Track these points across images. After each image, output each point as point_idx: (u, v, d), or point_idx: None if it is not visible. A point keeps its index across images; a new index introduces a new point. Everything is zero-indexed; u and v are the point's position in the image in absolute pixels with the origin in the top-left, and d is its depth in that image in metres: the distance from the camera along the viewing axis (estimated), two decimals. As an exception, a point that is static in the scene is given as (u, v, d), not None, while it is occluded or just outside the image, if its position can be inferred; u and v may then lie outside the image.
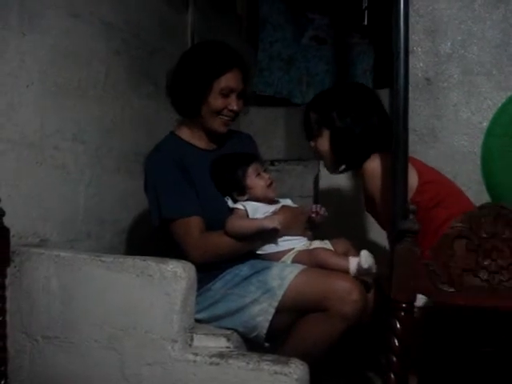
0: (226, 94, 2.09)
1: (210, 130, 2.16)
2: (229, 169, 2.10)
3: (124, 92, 2.54)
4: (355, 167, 2.13)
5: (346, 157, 2.11)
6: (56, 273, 1.90)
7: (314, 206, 2.13)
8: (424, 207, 1.93)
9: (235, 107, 2.11)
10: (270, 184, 2.11)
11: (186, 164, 2.08)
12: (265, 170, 2.16)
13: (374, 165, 2.03)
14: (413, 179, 1.97)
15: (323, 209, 2.12)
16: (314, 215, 2.10)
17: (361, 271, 1.92)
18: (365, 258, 1.91)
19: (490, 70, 2.43)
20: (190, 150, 2.15)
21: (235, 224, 2.01)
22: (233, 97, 2.11)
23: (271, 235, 2.02)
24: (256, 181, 2.09)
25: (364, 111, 2.06)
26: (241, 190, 2.09)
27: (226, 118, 2.13)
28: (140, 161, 2.40)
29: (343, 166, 2.18)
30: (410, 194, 1.95)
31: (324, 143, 2.10)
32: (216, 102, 2.09)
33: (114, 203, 2.47)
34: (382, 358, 1.60)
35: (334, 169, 2.21)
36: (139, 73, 2.63)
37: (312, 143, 2.14)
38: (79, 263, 1.88)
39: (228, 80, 2.09)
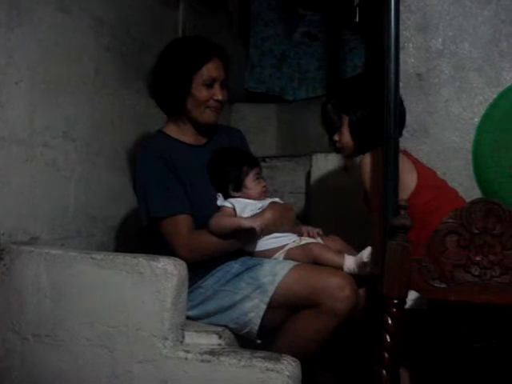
0: (209, 84, 2.10)
1: (200, 123, 2.16)
2: (233, 162, 2.12)
3: (114, 88, 2.51)
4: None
5: (366, 143, 2.10)
6: (46, 270, 1.88)
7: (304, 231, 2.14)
8: (419, 210, 1.93)
9: (220, 96, 2.12)
10: (265, 191, 2.14)
11: (174, 161, 2.08)
12: (262, 177, 2.18)
13: (367, 159, 2.03)
14: (412, 180, 1.98)
15: (315, 231, 2.14)
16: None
17: (360, 266, 1.91)
18: (367, 253, 1.90)
19: (482, 66, 2.42)
20: (178, 147, 2.14)
21: (216, 222, 2.01)
22: (216, 86, 2.12)
23: (251, 235, 2.02)
24: (254, 184, 2.11)
25: (376, 98, 2.05)
26: (238, 187, 2.10)
27: (212, 108, 2.13)
28: (131, 157, 2.39)
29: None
30: (408, 193, 1.96)
31: (346, 133, 2.11)
32: (200, 93, 2.10)
33: (105, 200, 2.45)
34: (373, 354, 1.60)
35: (353, 157, 2.23)
36: (130, 69, 2.61)
37: (336, 137, 2.14)
38: (69, 261, 1.87)
39: (209, 70, 2.10)
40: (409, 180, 1.99)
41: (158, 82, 2.17)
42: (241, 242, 2.04)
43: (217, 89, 2.12)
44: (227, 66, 2.19)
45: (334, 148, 2.20)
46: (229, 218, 2.03)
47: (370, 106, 2.06)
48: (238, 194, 2.10)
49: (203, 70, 2.09)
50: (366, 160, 2.03)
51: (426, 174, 2.06)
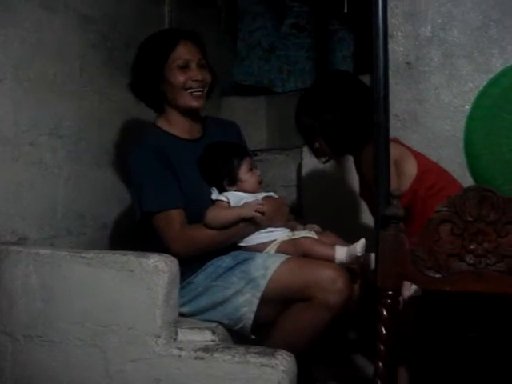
0: (183, 66, 2.09)
1: (185, 109, 2.13)
2: (224, 157, 2.08)
3: (101, 85, 2.48)
4: (357, 151, 2.10)
5: (344, 147, 2.08)
6: (35, 270, 1.86)
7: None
8: (422, 196, 1.93)
9: (198, 76, 2.10)
10: (260, 182, 2.11)
11: (167, 155, 2.05)
12: (255, 167, 2.14)
13: (369, 152, 2.01)
14: (412, 167, 1.98)
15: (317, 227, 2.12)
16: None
17: (352, 258, 1.89)
18: (361, 246, 1.88)
19: (471, 53, 2.41)
20: (172, 141, 2.12)
21: (213, 215, 1.99)
22: (192, 67, 2.10)
23: (250, 227, 2.00)
24: (248, 176, 2.08)
25: (348, 99, 2.03)
26: (232, 181, 2.07)
27: (193, 90, 2.10)
28: (120, 154, 2.37)
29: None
30: (410, 182, 1.95)
31: (321, 141, 2.07)
32: (176, 77, 2.08)
33: (94, 198, 2.43)
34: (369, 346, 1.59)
35: (339, 159, 2.23)
36: (117, 65, 2.57)
37: (316, 144, 2.10)
38: (59, 260, 1.85)
39: (179, 53, 2.09)
40: (409, 167, 1.98)
41: (135, 79, 2.18)
42: (237, 235, 2.02)
43: (194, 69, 2.10)
44: (202, 47, 2.17)
45: (315, 155, 2.17)
46: (226, 210, 2.01)
47: (339, 108, 2.02)
48: (234, 188, 2.08)
49: (173, 55, 2.08)
50: (369, 153, 2.01)
51: (422, 159, 2.05)
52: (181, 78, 2.08)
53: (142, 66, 2.13)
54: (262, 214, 1.98)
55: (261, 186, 2.12)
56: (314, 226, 2.12)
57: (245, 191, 2.07)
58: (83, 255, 1.83)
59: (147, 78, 2.11)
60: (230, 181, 2.07)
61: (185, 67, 2.08)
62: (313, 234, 2.06)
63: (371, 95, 1.73)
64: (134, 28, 2.73)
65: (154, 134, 2.14)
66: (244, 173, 2.08)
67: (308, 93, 2.14)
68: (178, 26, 3.02)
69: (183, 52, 2.09)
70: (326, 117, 2.01)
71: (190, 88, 2.09)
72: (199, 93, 2.11)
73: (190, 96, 2.10)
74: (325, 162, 2.20)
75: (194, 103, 2.12)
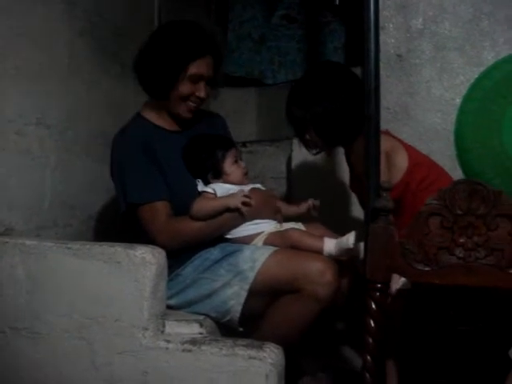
0: (195, 80, 2.04)
1: (174, 114, 2.11)
2: (207, 150, 2.06)
3: (89, 74, 2.46)
4: (349, 143, 2.09)
5: (335, 139, 2.07)
6: (22, 262, 1.84)
7: (310, 202, 2.09)
8: (414, 189, 1.92)
9: (202, 94, 2.06)
10: (246, 173, 2.09)
11: (153, 146, 2.03)
12: (240, 158, 2.12)
13: (360, 144, 2.00)
14: (403, 159, 1.96)
15: (317, 201, 2.10)
16: (312, 210, 2.08)
17: (342, 250, 1.88)
18: (352, 238, 1.87)
19: (463, 46, 2.40)
20: (157, 132, 2.09)
21: (199, 206, 1.97)
22: (201, 84, 2.06)
23: (237, 219, 1.99)
24: (233, 168, 2.06)
25: (339, 90, 2.01)
26: (216, 174, 2.06)
27: (191, 104, 2.07)
28: (108, 144, 2.33)
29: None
30: (401, 175, 1.94)
31: (312, 133, 2.05)
32: (184, 87, 2.03)
33: (82, 188, 2.40)
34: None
35: (330, 151, 2.22)
36: (105, 54, 2.55)
37: (307, 136, 2.08)
38: (45, 251, 1.82)
39: (199, 67, 2.03)
40: (400, 160, 1.96)
41: (147, 62, 2.07)
42: (224, 227, 2.01)
43: (201, 86, 2.06)
44: (218, 65, 2.12)
45: (305, 147, 2.15)
46: (212, 200, 1.99)
47: (330, 99, 1.99)
48: (219, 181, 2.06)
49: (193, 65, 2.02)
50: (359, 146, 1.99)
51: (414, 152, 2.03)
52: (188, 90, 2.04)
53: (163, 57, 2.03)
54: (249, 205, 1.97)
55: (247, 177, 2.10)
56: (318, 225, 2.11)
57: (230, 183, 2.05)
58: (69, 246, 1.81)
59: (164, 72, 2.02)
60: (214, 174, 2.06)
61: (196, 80, 2.04)
62: (300, 226, 2.06)
63: (362, 86, 1.71)
64: (123, 17, 2.71)
65: (140, 124, 2.10)
66: (229, 165, 2.06)
67: (299, 84, 2.12)
68: (167, 17, 2.99)
69: (202, 66, 2.03)
70: (317, 109, 2.00)
71: (190, 101, 2.07)
72: (195, 107, 2.09)
73: (186, 108, 2.07)
74: (316, 154, 2.19)
75: (187, 115, 2.10)
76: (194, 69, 2.02)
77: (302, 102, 2.03)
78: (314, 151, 2.15)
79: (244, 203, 1.96)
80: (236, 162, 2.08)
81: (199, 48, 2.04)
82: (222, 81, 3.46)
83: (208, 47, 2.06)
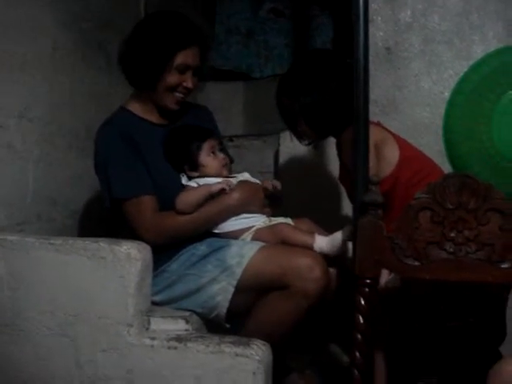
0: (181, 70, 2.00)
1: (161, 106, 2.07)
2: (183, 142, 2.02)
3: (73, 66, 2.42)
4: (339, 133, 2.05)
5: (326, 129, 2.04)
6: (3, 257, 1.81)
7: (269, 183, 2.06)
8: (405, 183, 1.88)
9: (190, 84, 2.03)
10: (225, 165, 2.05)
11: (137, 140, 1.99)
12: (222, 148, 2.08)
13: (348, 136, 1.97)
14: (394, 152, 1.93)
15: (278, 183, 2.06)
16: (271, 188, 2.03)
17: (333, 247, 1.87)
18: (344, 234, 1.85)
19: (451, 39, 2.39)
20: (142, 125, 2.06)
21: (184, 197, 1.94)
22: (188, 74, 2.02)
23: (225, 213, 1.97)
24: (209, 160, 2.02)
25: (328, 79, 1.98)
26: (192, 166, 2.02)
27: (179, 94, 2.04)
28: (92, 137, 2.30)
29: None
30: (391, 169, 1.91)
31: (302, 123, 2.02)
32: (172, 77, 2.00)
33: (66, 183, 2.37)
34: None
35: (321, 141, 2.22)
36: (89, 46, 2.51)
37: (298, 127, 2.05)
38: (27, 247, 1.79)
39: (186, 56, 2.00)
40: (390, 152, 1.93)
41: (132, 53, 2.03)
42: (211, 222, 1.98)
43: (188, 76, 2.02)
44: (205, 55, 2.09)
45: (296, 138, 2.13)
46: (194, 189, 1.97)
47: (319, 89, 1.97)
48: (197, 174, 2.02)
49: (180, 55, 1.98)
50: (347, 136, 1.97)
51: (404, 145, 2.00)
52: (175, 80, 2.00)
53: (149, 47, 1.99)
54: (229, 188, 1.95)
55: (226, 168, 2.06)
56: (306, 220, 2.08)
57: (208, 176, 2.01)
58: (52, 242, 1.78)
59: (150, 62, 1.98)
60: (190, 166, 2.02)
61: (182, 70, 2.00)
62: (289, 221, 2.03)
63: (352, 75, 1.69)
64: (109, 9, 2.67)
65: (123, 117, 2.07)
66: (204, 157, 2.02)
67: (288, 74, 2.10)
68: (154, 8, 2.95)
69: (190, 56, 2.00)
70: (306, 99, 1.97)
71: (178, 92, 2.03)
72: (182, 98, 2.06)
73: (173, 99, 2.04)
74: (307, 145, 2.17)
75: (174, 106, 2.06)
76: (180, 58, 1.99)
77: (291, 92, 2.01)
78: (306, 142, 2.13)
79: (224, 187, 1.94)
80: (213, 153, 2.03)
81: (186, 37, 2.01)
82: (208, 73, 3.46)
83: (195, 37, 2.03)
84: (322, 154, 2.67)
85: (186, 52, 2.00)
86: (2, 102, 2.05)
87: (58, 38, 2.33)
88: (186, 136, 2.04)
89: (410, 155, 1.96)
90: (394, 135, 2.00)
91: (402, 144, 1.98)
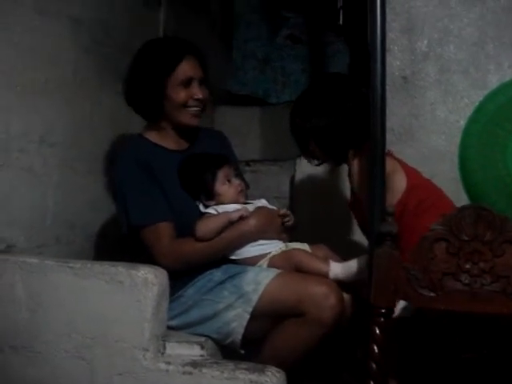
0: (186, 83, 2.04)
1: (181, 126, 2.10)
2: (197, 171, 2.04)
3: (94, 91, 2.45)
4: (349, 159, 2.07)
5: (335, 150, 2.05)
6: (22, 280, 1.84)
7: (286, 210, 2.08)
8: (411, 212, 1.89)
9: (200, 95, 2.06)
10: (241, 191, 2.06)
11: (153, 167, 2.02)
12: (237, 174, 2.10)
13: (356, 162, 1.99)
14: (401, 181, 1.93)
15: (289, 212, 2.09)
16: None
17: (348, 275, 1.87)
18: (360, 262, 1.85)
19: (467, 68, 2.40)
20: (159, 152, 2.08)
21: (204, 225, 1.96)
22: (194, 85, 2.06)
23: (241, 239, 1.99)
24: (225, 188, 2.03)
25: (342, 103, 2.00)
26: (208, 195, 2.03)
27: (193, 108, 2.07)
28: (111, 162, 2.34)
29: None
30: (398, 197, 1.91)
31: (313, 145, 2.04)
32: (178, 95, 2.03)
33: (85, 206, 2.39)
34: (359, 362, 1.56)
35: (334, 165, 2.26)
36: (109, 71, 2.54)
37: (309, 147, 2.07)
38: (46, 269, 1.82)
39: (184, 69, 2.04)
40: (397, 182, 1.94)
41: (132, 89, 2.11)
42: (228, 248, 2.00)
43: (195, 87, 2.05)
44: (204, 63, 2.12)
45: (305, 158, 2.15)
46: (213, 217, 1.98)
47: (332, 112, 1.99)
48: (213, 203, 2.03)
49: (177, 71, 2.03)
50: (358, 164, 1.99)
51: (412, 173, 2.01)
52: (182, 96, 2.04)
53: (143, 76, 2.06)
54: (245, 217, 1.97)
55: (242, 195, 2.07)
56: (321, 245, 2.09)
57: (224, 204, 2.02)
58: (71, 265, 1.80)
59: (147, 90, 2.04)
60: (207, 196, 2.04)
61: (187, 84, 2.04)
62: (305, 247, 2.04)
63: (366, 100, 1.71)
64: (128, 34, 2.71)
65: (140, 145, 2.10)
66: (220, 186, 2.03)
67: (303, 95, 2.12)
68: (172, 33, 3.00)
69: (188, 68, 2.04)
70: (318, 120, 1.99)
71: (190, 106, 2.06)
72: (198, 111, 2.08)
73: (189, 114, 2.07)
74: (317, 165, 2.19)
75: (193, 122, 2.09)
76: (181, 72, 2.03)
77: (304, 113, 2.04)
78: (316, 162, 2.14)
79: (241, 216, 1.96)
80: (229, 180, 2.05)
81: (178, 51, 2.06)
82: (224, 98, 3.49)
83: (185, 49, 2.07)
84: (338, 179, 2.68)
85: (183, 64, 2.03)
86: (23, 127, 2.08)
87: (79, 63, 2.37)
88: (199, 165, 2.05)
89: (417, 183, 1.97)
90: (402, 163, 2.01)
91: (410, 172, 1.99)
